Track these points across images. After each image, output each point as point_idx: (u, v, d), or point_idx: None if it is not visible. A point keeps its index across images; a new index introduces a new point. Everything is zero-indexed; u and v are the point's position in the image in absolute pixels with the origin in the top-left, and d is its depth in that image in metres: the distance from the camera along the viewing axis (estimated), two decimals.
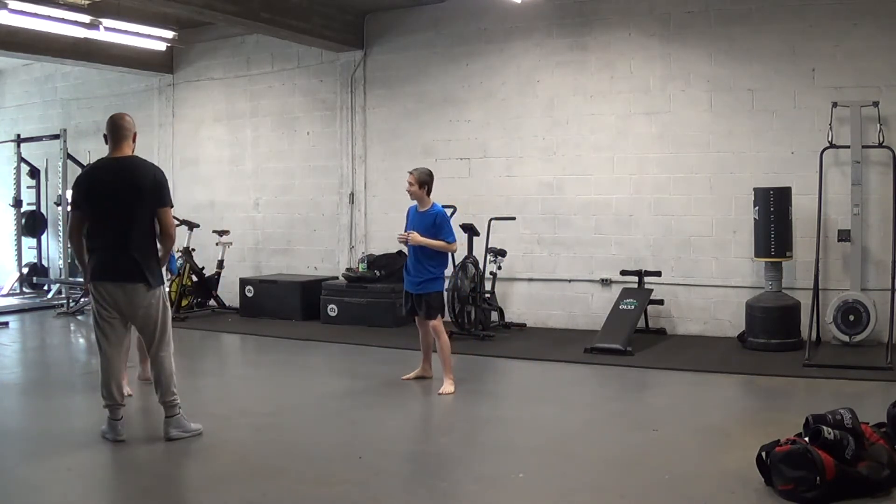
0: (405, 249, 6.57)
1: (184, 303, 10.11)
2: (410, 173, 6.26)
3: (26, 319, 10.21)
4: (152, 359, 4.98)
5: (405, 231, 6.30)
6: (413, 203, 6.39)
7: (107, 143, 4.97)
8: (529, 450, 4.81)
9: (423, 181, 6.22)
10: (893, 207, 7.46)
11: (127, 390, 6.02)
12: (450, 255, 6.59)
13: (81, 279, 10.88)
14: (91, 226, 4.90)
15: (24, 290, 12.13)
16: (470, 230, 8.57)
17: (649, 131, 8.58)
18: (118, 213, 4.80)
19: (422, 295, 6.22)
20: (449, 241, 6.22)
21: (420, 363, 6.54)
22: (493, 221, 8.88)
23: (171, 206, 5.01)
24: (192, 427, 5.02)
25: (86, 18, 8.43)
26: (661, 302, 8.37)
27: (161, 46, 10.07)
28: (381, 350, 7.94)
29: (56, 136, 11.32)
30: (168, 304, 5.09)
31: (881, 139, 7.47)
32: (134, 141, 5.02)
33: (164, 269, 6.07)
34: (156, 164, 5.17)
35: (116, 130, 4.92)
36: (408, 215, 6.42)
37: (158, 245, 5.03)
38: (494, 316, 8.95)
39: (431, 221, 6.18)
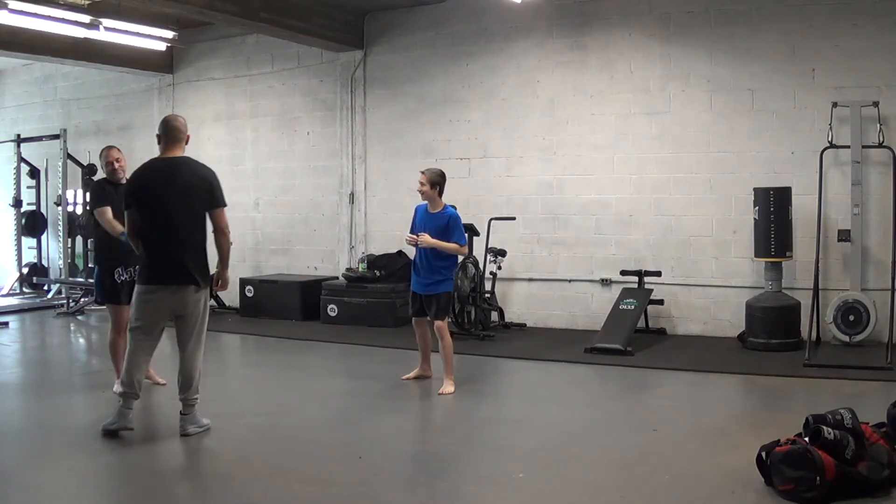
0: (407, 250, 6.55)
1: None
2: (423, 173, 6.20)
3: (26, 319, 10.21)
4: (187, 355, 5.04)
5: (412, 231, 6.26)
6: (420, 203, 6.34)
7: (159, 143, 5.08)
8: (529, 450, 4.81)
9: (436, 182, 6.17)
10: (893, 207, 7.46)
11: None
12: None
13: (81, 279, 10.93)
14: (141, 226, 4.96)
15: (24, 290, 12.13)
16: (470, 230, 8.55)
17: (649, 131, 8.58)
18: (168, 214, 4.89)
19: (432, 296, 6.20)
20: (461, 244, 6.21)
21: (419, 363, 6.54)
22: (493, 221, 8.88)
23: (224, 206, 5.06)
24: (203, 421, 5.10)
25: (86, 18, 8.43)
26: (661, 302, 8.37)
27: (161, 46, 10.07)
28: (381, 350, 7.94)
29: (56, 136, 11.33)
30: (208, 304, 5.13)
31: (881, 139, 7.47)
32: (186, 143, 5.14)
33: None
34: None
35: (169, 131, 5.04)
36: (415, 214, 6.36)
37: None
38: (494, 316, 8.95)
39: (444, 223, 6.13)
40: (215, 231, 5.04)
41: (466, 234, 8.42)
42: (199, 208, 4.98)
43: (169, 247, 4.91)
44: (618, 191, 8.75)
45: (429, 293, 6.21)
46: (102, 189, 6.19)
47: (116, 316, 6.16)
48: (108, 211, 6.01)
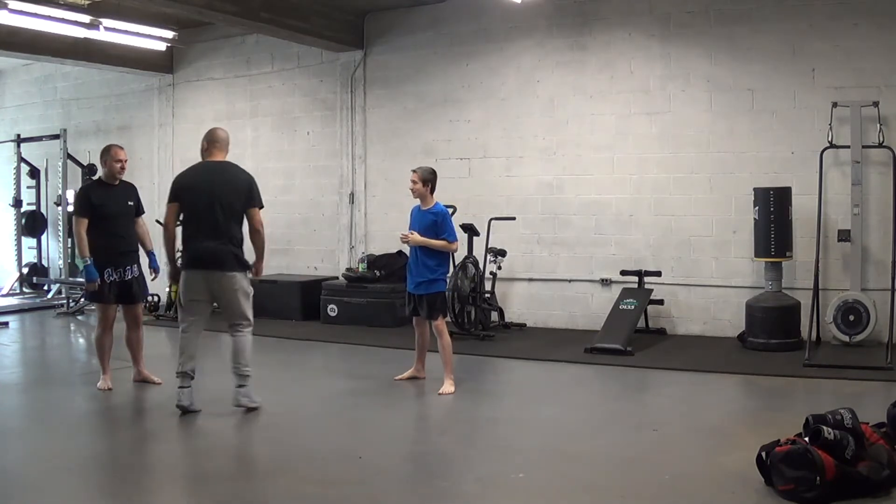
0: (406, 249, 6.56)
1: None
2: (414, 171, 6.23)
3: (26, 319, 10.22)
4: (233, 332, 5.57)
5: (409, 231, 6.29)
6: (411, 202, 6.38)
7: (203, 151, 5.64)
8: (529, 450, 4.80)
9: (427, 179, 6.20)
10: (893, 207, 7.46)
11: (108, 384, 6.22)
12: (451, 255, 6.57)
13: (82, 279, 10.95)
14: (188, 219, 5.54)
15: (24, 290, 12.13)
16: (470, 230, 8.57)
17: (649, 131, 8.58)
18: (212, 207, 5.44)
19: (423, 296, 6.19)
20: (450, 240, 6.19)
21: (413, 363, 6.54)
22: (493, 221, 8.88)
23: (261, 207, 5.65)
24: (256, 399, 5.55)
25: (86, 18, 8.44)
26: (661, 302, 8.37)
27: (161, 46, 10.07)
28: (381, 350, 7.94)
29: (56, 136, 11.33)
30: (249, 289, 5.63)
31: (881, 139, 7.47)
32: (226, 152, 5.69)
33: (147, 267, 6.21)
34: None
35: (215, 140, 5.63)
36: (411, 215, 6.39)
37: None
38: (494, 316, 8.95)
39: (432, 220, 6.16)
40: (251, 229, 5.60)
41: (466, 234, 8.48)
42: (238, 206, 5.52)
43: (210, 236, 5.44)
44: (618, 191, 8.75)
45: (420, 293, 6.20)
46: (87, 197, 6.17)
47: (103, 313, 6.24)
48: (84, 223, 6.08)
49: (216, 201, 5.44)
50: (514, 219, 9.01)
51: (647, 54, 8.57)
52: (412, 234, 6.15)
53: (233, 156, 11.49)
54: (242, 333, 5.56)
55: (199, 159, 5.65)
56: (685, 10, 8.37)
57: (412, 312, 6.35)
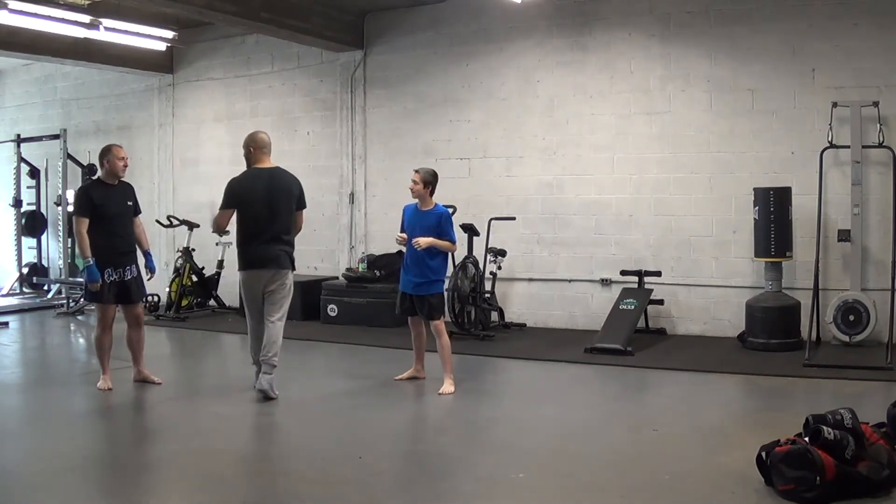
0: (405, 249, 6.55)
1: (184, 303, 10.11)
2: (416, 171, 6.24)
3: (26, 319, 10.21)
4: (273, 324, 5.95)
5: (402, 231, 6.29)
6: (410, 202, 6.37)
7: (248, 156, 5.95)
8: (529, 450, 4.81)
9: (428, 181, 6.21)
10: (893, 207, 7.47)
11: (108, 384, 6.19)
12: (449, 254, 6.58)
13: (81, 279, 10.96)
14: (245, 224, 5.89)
15: (24, 290, 12.13)
16: (470, 230, 8.57)
17: (649, 131, 8.58)
18: (272, 212, 5.86)
19: (424, 296, 6.20)
20: (454, 241, 6.28)
21: (412, 363, 6.54)
22: (493, 221, 8.88)
23: (305, 207, 6.14)
24: (276, 391, 5.89)
25: (86, 18, 8.44)
26: (661, 302, 8.37)
27: (161, 46, 10.07)
28: (381, 350, 7.94)
29: (56, 136, 11.33)
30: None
31: (881, 139, 7.47)
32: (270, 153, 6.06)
33: (142, 267, 6.23)
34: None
35: (262, 146, 5.96)
36: (404, 214, 6.39)
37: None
38: (494, 316, 8.95)
39: (435, 221, 6.16)
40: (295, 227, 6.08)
41: (466, 234, 8.50)
42: (292, 208, 5.98)
43: (269, 241, 5.85)
44: (618, 191, 8.75)
45: (420, 294, 6.20)
46: (88, 196, 6.15)
47: (103, 313, 6.24)
48: (85, 223, 6.06)
49: (275, 210, 5.86)
50: (514, 219, 9.01)
51: (647, 54, 8.57)
52: (418, 240, 6.10)
53: (233, 156, 11.53)
54: (279, 324, 5.96)
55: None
56: (685, 10, 8.37)
57: (407, 312, 6.35)
